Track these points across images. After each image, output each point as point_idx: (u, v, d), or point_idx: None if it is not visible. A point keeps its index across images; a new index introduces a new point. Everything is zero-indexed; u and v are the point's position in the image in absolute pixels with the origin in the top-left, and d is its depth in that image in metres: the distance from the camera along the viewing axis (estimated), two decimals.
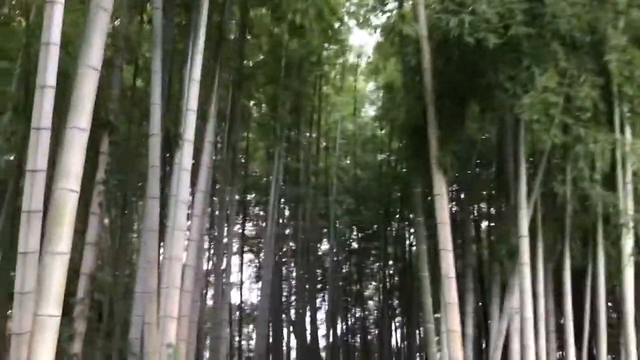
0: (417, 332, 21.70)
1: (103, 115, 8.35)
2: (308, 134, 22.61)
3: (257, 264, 28.57)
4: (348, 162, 25.45)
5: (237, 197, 26.47)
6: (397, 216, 25.17)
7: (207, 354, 17.27)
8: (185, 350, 7.70)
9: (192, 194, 8.77)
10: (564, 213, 8.78)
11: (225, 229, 12.45)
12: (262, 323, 14.44)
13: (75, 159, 4.00)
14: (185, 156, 6.96)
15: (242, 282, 25.91)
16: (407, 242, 25.27)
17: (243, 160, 23.53)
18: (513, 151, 8.89)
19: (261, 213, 27.48)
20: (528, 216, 7.59)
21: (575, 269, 9.36)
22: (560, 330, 9.53)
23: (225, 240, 12.66)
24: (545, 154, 7.52)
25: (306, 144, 22.29)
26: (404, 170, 21.22)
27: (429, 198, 9.97)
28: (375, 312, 28.11)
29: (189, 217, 9.28)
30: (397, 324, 24.58)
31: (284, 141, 18.30)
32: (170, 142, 8.26)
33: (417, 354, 21.41)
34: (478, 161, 10.43)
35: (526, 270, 7.45)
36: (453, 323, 6.76)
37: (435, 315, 10.21)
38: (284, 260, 24.47)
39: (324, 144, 24.19)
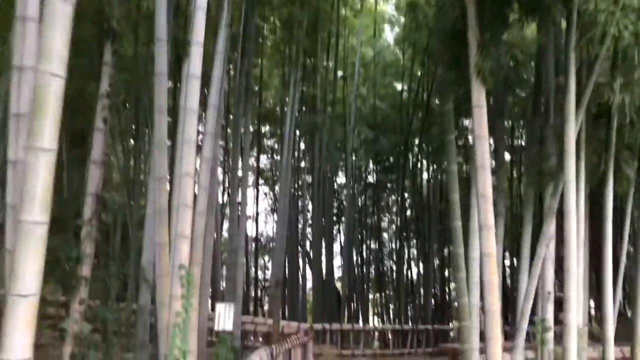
0: (434, 262, 21.38)
1: (105, 22, 7.52)
2: (325, 62, 21.56)
3: (273, 197, 28.23)
4: (366, 90, 24.37)
5: (251, 128, 25.82)
6: (416, 148, 24.44)
7: (223, 284, 17.11)
8: (200, 275, 7.17)
9: (204, 109, 8.03)
10: (609, 132, 7.96)
11: (240, 160, 11.75)
12: (278, 253, 13.96)
13: (58, 37, 3.24)
14: (194, 63, 6.16)
15: (257, 215, 25.62)
16: (425, 174, 24.66)
17: (257, 89, 22.65)
18: (556, 62, 8.01)
19: (276, 146, 26.89)
20: (575, 131, 6.76)
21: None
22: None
23: (240, 172, 11.98)
24: (599, 61, 6.61)
25: (323, 72, 21.25)
26: (426, 97, 20.31)
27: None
28: (390, 244, 27.79)
29: (200, 134, 8.58)
30: (413, 256, 24.23)
31: (299, 68, 17.32)
32: (179, 53, 7.45)
33: (433, 284, 21.13)
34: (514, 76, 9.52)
35: (571, 189, 6.69)
36: (488, 246, 6.08)
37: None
38: (299, 193, 24.05)
39: (341, 72, 23.09)
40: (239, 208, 11.54)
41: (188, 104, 5.81)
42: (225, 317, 8.84)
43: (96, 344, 7.23)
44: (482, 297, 6.58)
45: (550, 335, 8.35)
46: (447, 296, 23.96)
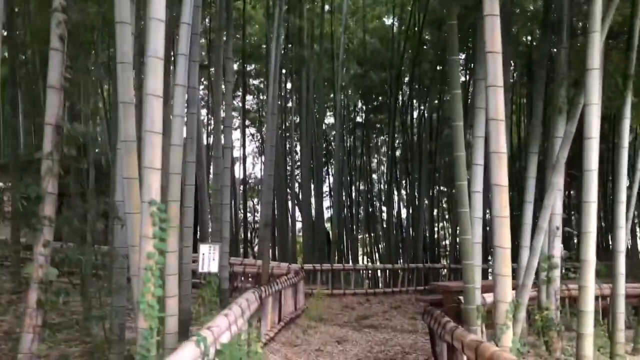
0: (423, 202, 20.78)
1: None
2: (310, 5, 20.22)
3: (261, 139, 27.30)
4: (354, 24, 23.04)
5: (235, 66, 24.55)
6: (406, 87, 23.44)
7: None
8: (178, 212, 6.37)
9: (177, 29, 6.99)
10: (629, 54, 7.12)
11: (222, 96, 10.76)
12: (266, 193, 13.20)
13: None
14: None
15: (245, 157, 24.79)
16: (415, 112, 23.77)
17: (241, 23, 21.31)
18: None
19: (262, 86, 25.74)
20: (601, 43, 5.88)
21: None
22: None
23: (223, 109, 11.01)
24: None
25: (309, 4, 19.92)
26: (418, 30, 19.16)
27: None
28: (379, 184, 27.19)
29: (173, 55, 7.57)
30: (402, 196, 23.66)
31: (284, 1, 16.06)
32: None
33: (423, 224, 20.62)
34: None
35: (594, 113, 5.88)
36: (499, 176, 5.30)
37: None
38: (287, 134, 23.16)
39: (328, 5, 21.71)
40: (222, 144, 10.62)
41: (152, 12, 4.81)
42: (209, 258, 8.13)
43: (67, 289, 6.50)
44: (491, 234, 5.85)
45: (557, 273, 7.76)
46: (436, 236, 23.58)
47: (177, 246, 6.31)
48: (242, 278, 13.77)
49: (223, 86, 11.25)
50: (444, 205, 26.27)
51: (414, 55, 19.94)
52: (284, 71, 21.77)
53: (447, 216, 26.51)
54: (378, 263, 21.81)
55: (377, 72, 22.32)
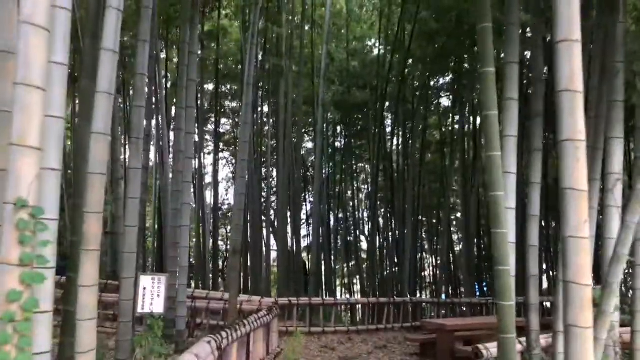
0: (407, 232, 18.83)
1: None
2: (290, 17, 18.50)
3: (236, 163, 25.22)
4: (336, 47, 21.31)
5: (210, 87, 22.59)
6: (388, 110, 21.75)
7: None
8: (98, 230, 4.28)
9: None
10: None
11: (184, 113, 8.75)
12: (237, 217, 11.06)
13: None
14: None
15: (217, 182, 22.58)
16: (396, 139, 22.06)
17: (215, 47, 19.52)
18: None
19: (239, 107, 23.84)
20: None
21: None
22: None
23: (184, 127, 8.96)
24: None
25: (289, 20, 18.18)
26: (402, 57, 17.57)
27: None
28: (360, 213, 25.20)
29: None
30: (385, 225, 21.64)
31: (258, 25, 14.29)
32: None
33: (410, 255, 18.59)
34: None
35: None
36: (576, 178, 3.36)
37: None
38: (263, 159, 21.19)
39: (309, 25, 20.04)
40: (180, 161, 8.56)
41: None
42: (153, 294, 5.99)
43: None
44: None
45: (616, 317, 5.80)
46: (421, 267, 21.58)
47: (95, 279, 4.16)
48: (205, 315, 11.53)
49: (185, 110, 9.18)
50: (424, 235, 24.38)
51: (399, 71, 18.24)
52: (260, 93, 19.96)
53: (426, 246, 24.58)
54: (358, 296, 19.65)
55: (358, 95, 20.59)
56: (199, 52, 17.66)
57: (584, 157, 3.37)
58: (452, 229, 21.60)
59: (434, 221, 23.54)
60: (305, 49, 18.86)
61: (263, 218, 19.79)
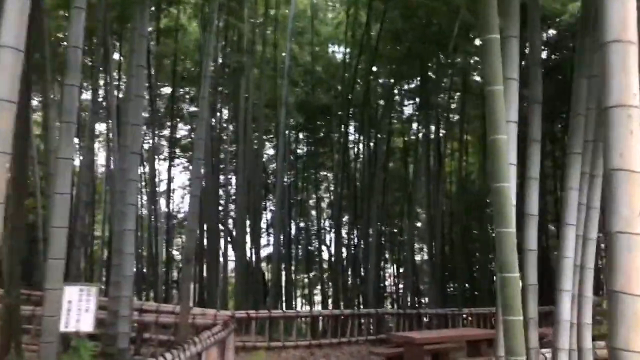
0: (372, 242, 18.02)
1: None
2: (253, 19, 17.52)
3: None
4: (299, 50, 20.42)
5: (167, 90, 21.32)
6: (352, 117, 20.97)
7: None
8: None
9: None
10: None
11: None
12: (192, 221, 9.94)
13: None
14: None
15: (170, 189, 21.23)
16: (360, 147, 21.30)
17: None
18: None
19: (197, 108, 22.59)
20: None
21: None
22: None
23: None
24: None
25: (249, 28, 17.20)
26: (368, 62, 16.83)
27: None
28: (322, 222, 24.26)
29: None
30: (349, 235, 20.73)
31: (218, 22, 13.27)
32: None
33: (376, 265, 17.75)
34: None
35: None
36: (627, 156, 2.53)
37: None
38: (222, 166, 20.06)
39: (271, 28, 19.08)
40: (124, 157, 7.46)
41: None
42: (80, 309, 4.86)
43: None
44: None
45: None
46: (383, 277, 20.80)
47: None
48: (157, 328, 10.30)
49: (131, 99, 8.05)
50: (387, 245, 23.65)
51: (365, 75, 17.51)
52: (219, 97, 18.86)
53: (388, 256, 23.83)
54: (319, 307, 18.65)
55: (322, 99, 19.76)
56: (151, 41, 16.46)
57: (638, 127, 2.56)
58: (415, 238, 20.89)
59: (397, 230, 22.87)
60: (267, 50, 17.88)
61: (221, 226, 18.60)
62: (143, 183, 18.70)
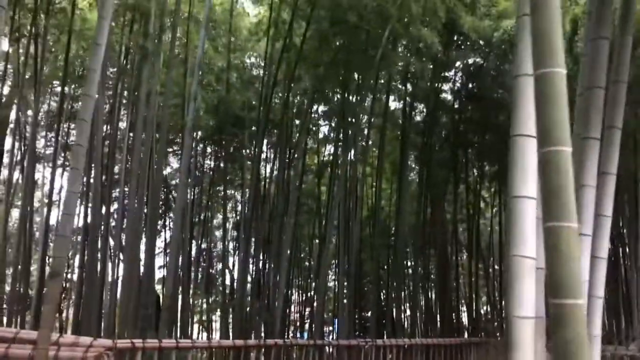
0: (277, 265, 16.39)
1: None
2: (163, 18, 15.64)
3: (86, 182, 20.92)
4: (212, 57, 18.68)
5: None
6: (266, 137, 19.49)
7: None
8: None
9: None
10: None
11: None
12: (64, 223, 7.78)
13: None
14: None
15: (50, 200, 18.29)
16: (273, 165, 19.80)
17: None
18: None
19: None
20: None
21: None
22: None
23: None
24: None
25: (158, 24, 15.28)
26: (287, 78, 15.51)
27: None
28: (227, 243, 22.22)
29: None
30: (253, 258, 18.92)
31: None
32: None
33: (286, 290, 16.06)
34: None
35: None
36: None
37: None
38: (116, 177, 17.69)
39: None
40: None
41: None
42: None
43: None
44: None
45: None
46: (292, 305, 19.14)
47: None
48: None
49: None
50: (296, 270, 22.13)
51: (284, 88, 16.16)
52: (117, 99, 16.66)
53: (297, 282, 22.31)
54: (218, 336, 16.56)
55: (235, 110, 18.12)
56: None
57: None
58: (327, 264, 19.47)
59: (308, 255, 21.45)
60: (177, 47, 16.01)
61: (110, 242, 16.15)
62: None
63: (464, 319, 20.98)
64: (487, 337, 18.06)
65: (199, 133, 19.65)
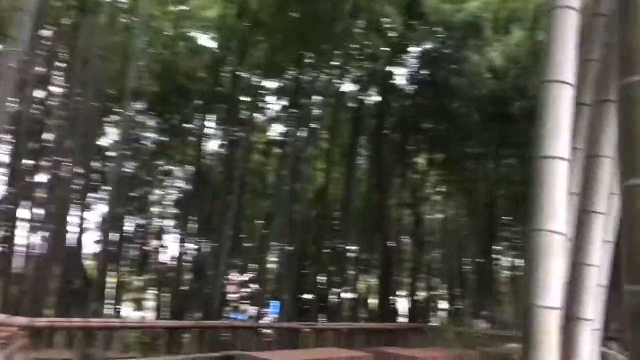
0: (219, 243, 15.57)
1: None
2: None
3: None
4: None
5: None
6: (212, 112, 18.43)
7: None
8: None
9: None
10: None
11: None
12: None
13: None
14: None
15: None
16: (219, 142, 18.81)
17: None
18: None
19: None
20: None
21: None
22: None
23: None
24: None
25: None
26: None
27: None
28: (166, 220, 21.06)
29: None
30: (192, 236, 17.97)
31: None
32: None
33: (222, 272, 15.26)
34: None
35: None
36: None
37: None
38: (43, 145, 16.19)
39: None
40: None
41: None
42: None
43: None
44: None
45: None
46: (231, 286, 18.32)
47: None
48: None
49: None
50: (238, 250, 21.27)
51: (235, 62, 15.21)
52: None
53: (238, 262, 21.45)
54: (151, 315, 15.61)
55: (181, 80, 16.99)
56: None
57: None
58: (270, 243, 18.78)
59: (252, 234, 20.68)
60: (120, 14, 14.72)
61: (34, 211, 14.77)
62: None
63: (404, 304, 20.95)
64: (424, 323, 18.06)
65: (141, 103, 18.33)
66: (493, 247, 19.66)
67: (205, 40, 18.44)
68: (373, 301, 19.47)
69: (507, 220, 20.83)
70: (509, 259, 22.84)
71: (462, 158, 18.14)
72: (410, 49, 15.81)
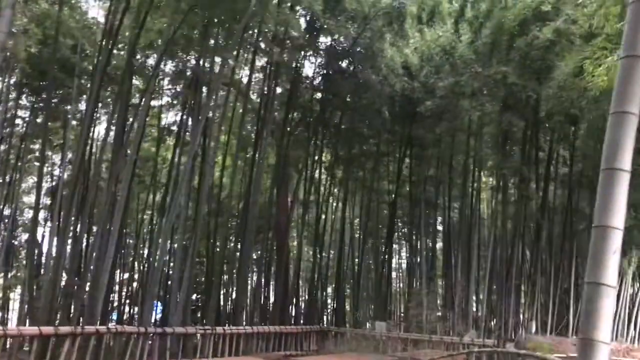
0: (104, 239, 13.74)
1: None
2: None
3: None
4: None
5: None
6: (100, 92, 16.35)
7: None
8: None
9: None
10: None
11: None
12: None
13: None
14: None
15: None
16: (105, 125, 16.78)
17: None
18: None
19: None
20: None
21: None
22: None
23: None
24: None
25: None
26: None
27: None
28: (40, 210, 18.41)
29: None
30: (74, 228, 15.79)
31: None
32: None
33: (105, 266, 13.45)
34: None
35: None
36: None
37: None
38: None
39: None
40: None
41: None
42: None
43: None
44: None
45: None
46: (118, 287, 16.41)
47: None
48: None
49: None
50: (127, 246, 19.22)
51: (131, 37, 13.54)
52: None
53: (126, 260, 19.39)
54: (26, 322, 13.42)
55: (62, 55, 14.91)
56: None
57: None
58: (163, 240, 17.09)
59: (146, 230, 18.85)
60: None
61: None
62: None
63: (302, 306, 20.31)
64: (323, 326, 17.63)
65: (14, 76, 15.84)
66: (387, 247, 19.72)
67: (95, 11, 16.50)
68: (272, 303, 18.58)
69: (404, 220, 21.10)
70: (403, 259, 23.22)
71: (365, 155, 17.95)
72: (323, 38, 15.22)
